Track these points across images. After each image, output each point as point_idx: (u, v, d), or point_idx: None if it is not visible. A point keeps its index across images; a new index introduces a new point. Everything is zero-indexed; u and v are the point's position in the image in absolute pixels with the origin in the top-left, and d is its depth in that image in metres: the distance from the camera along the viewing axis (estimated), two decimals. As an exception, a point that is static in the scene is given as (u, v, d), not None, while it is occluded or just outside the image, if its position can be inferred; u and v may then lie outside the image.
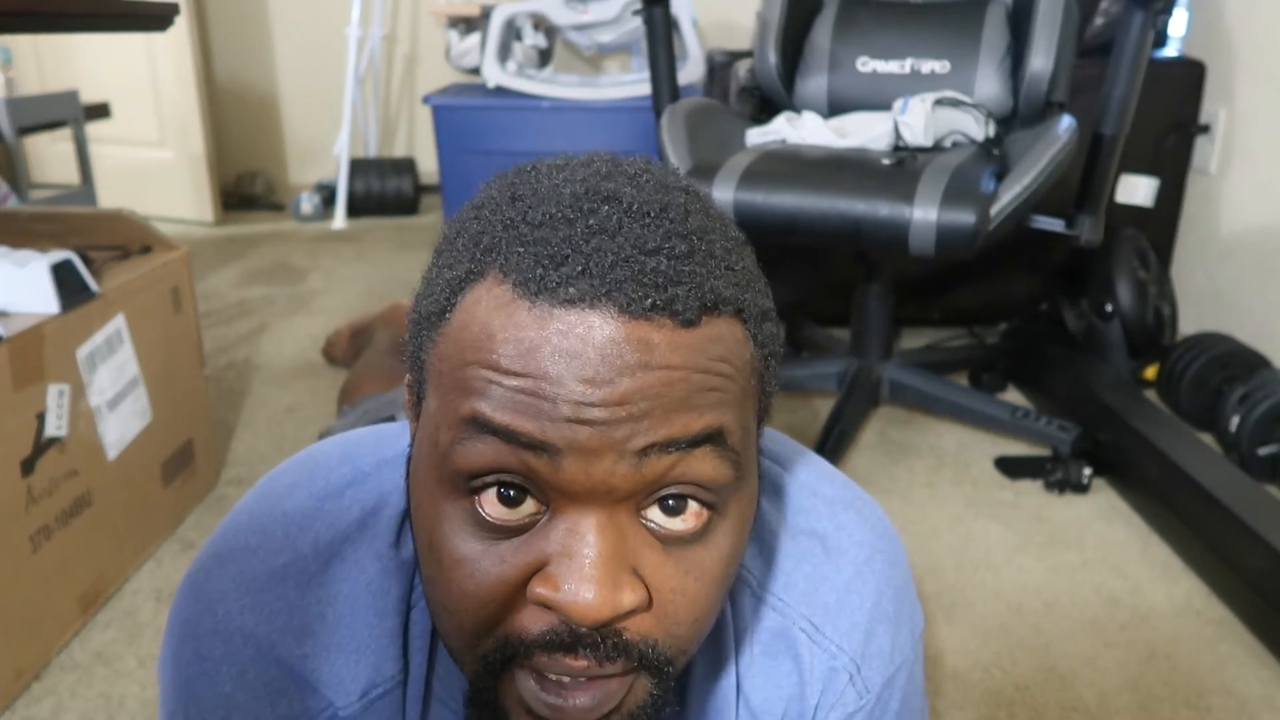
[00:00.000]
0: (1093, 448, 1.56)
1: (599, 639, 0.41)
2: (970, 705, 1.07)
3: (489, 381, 0.40)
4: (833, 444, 1.54)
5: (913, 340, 2.14)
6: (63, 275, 1.13)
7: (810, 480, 0.61)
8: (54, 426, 1.10)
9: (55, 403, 1.10)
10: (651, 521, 0.42)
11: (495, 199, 0.45)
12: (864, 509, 0.61)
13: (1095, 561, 1.35)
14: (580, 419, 0.39)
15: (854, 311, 1.73)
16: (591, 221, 0.41)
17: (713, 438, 0.41)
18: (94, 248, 1.33)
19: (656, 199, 0.43)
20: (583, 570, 0.40)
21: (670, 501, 0.42)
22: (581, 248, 0.40)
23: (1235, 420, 1.59)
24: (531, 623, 0.42)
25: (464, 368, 0.41)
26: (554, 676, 0.43)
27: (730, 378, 0.42)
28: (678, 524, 0.42)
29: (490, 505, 0.42)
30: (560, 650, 0.42)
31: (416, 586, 0.53)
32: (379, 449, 0.57)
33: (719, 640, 0.56)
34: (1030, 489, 1.54)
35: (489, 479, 0.41)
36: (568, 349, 0.39)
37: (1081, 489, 1.52)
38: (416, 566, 0.52)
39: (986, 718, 1.05)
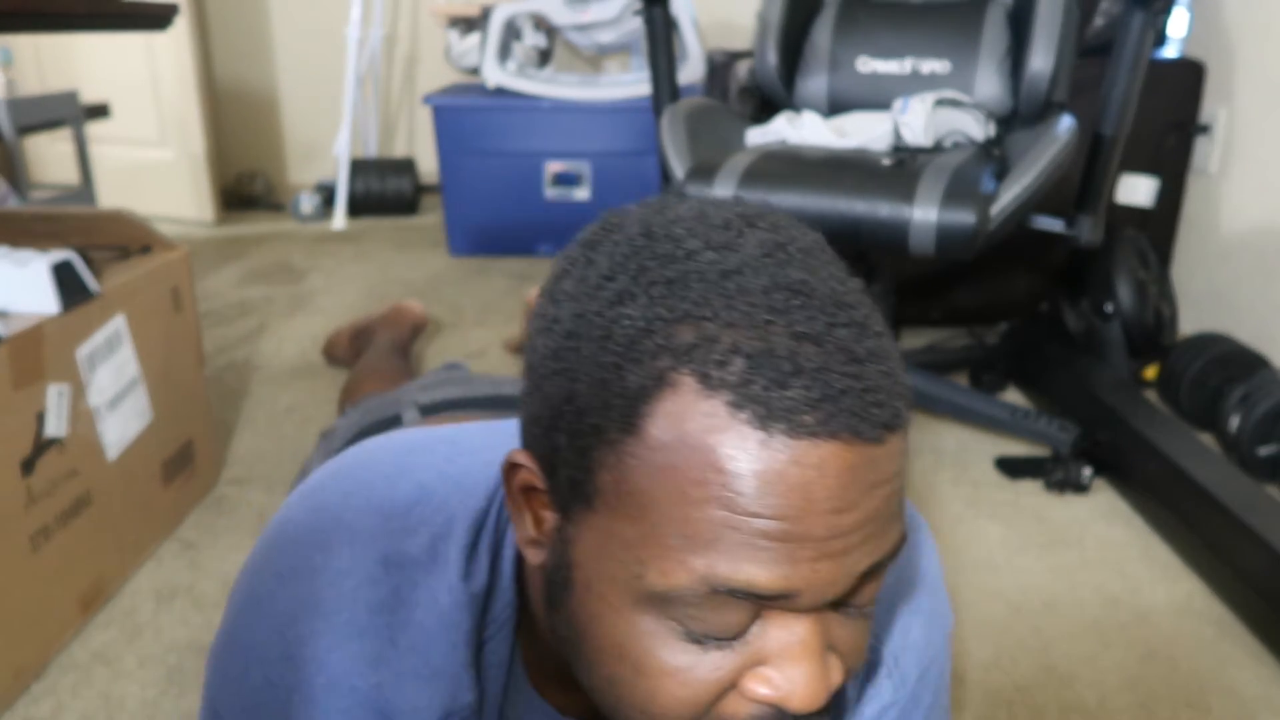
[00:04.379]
0: (1093, 448, 1.56)
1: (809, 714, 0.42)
2: (970, 705, 1.07)
3: (725, 526, 0.38)
4: (833, 444, 1.54)
5: (913, 340, 2.14)
6: (63, 275, 1.13)
7: None
8: (54, 426, 1.10)
9: (55, 403, 1.10)
10: (840, 603, 0.43)
11: (643, 271, 0.41)
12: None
13: (1095, 561, 1.34)
14: (823, 554, 0.39)
15: (854, 311, 1.73)
16: (797, 326, 0.38)
17: (901, 542, 0.42)
18: (94, 248, 1.33)
19: (827, 280, 0.41)
20: (802, 671, 0.41)
21: (860, 594, 0.43)
22: (800, 359, 0.37)
23: (1235, 420, 1.59)
24: (740, 709, 0.42)
25: (680, 506, 0.38)
26: None
27: (906, 471, 0.42)
28: (859, 604, 0.43)
29: (703, 624, 0.41)
30: None
31: (490, 623, 0.52)
32: (438, 462, 0.55)
33: None
34: (1030, 489, 1.54)
35: None
36: (807, 482, 0.37)
37: (1081, 489, 1.52)
38: (487, 602, 0.51)
39: (986, 718, 1.05)
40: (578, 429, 0.41)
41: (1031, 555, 1.36)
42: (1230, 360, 1.73)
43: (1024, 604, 1.25)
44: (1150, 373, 1.89)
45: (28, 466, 1.06)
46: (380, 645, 0.50)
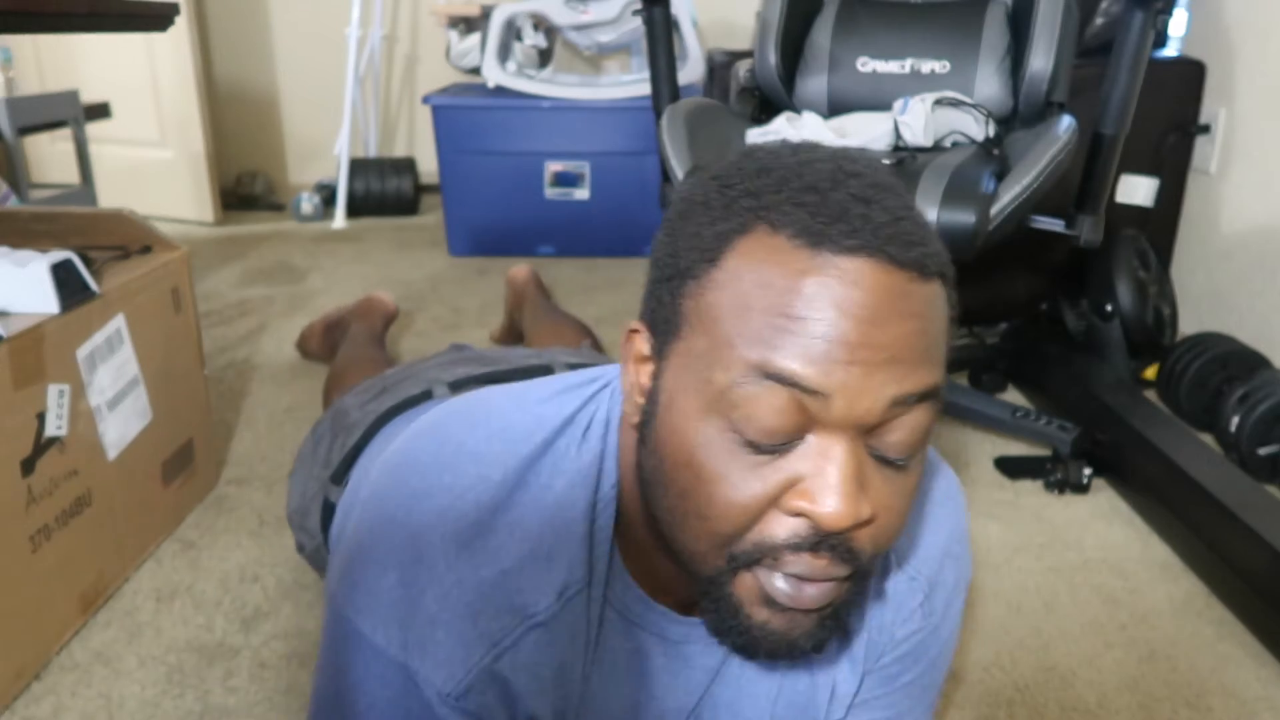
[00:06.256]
0: (1093, 448, 1.56)
1: (837, 542, 0.49)
2: (970, 705, 1.07)
3: (774, 328, 0.46)
4: (833, 444, 1.54)
5: (913, 340, 2.14)
6: (63, 275, 1.13)
7: None
8: (54, 426, 1.10)
9: (55, 403, 1.10)
10: (875, 449, 0.49)
11: (743, 170, 0.52)
12: (937, 460, 0.70)
13: (1095, 561, 1.34)
14: (853, 360, 0.46)
15: (854, 311, 1.73)
16: (850, 190, 0.48)
17: (935, 394, 0.49)
18: (94, 248, 1.33)
19: (887, 180, 0.50)
20: (834, 486, 0.48)
21: (892, 437, 0.49)
22: (850, 208, 0.47)
23: (1235, 420, 1.59)
24: (780, 528, 0.49)
25: (744, 314, 0.47)
26: (794, 572, 0.50)
27: (944, 336, 0.50)
28: (894, 453, 0.49)
29: (756, 431, 0.48)
30: (806, 550, 0.49)
31: (599, 499, 0.59)
32: (542, 398, 0.62)
33: None
34: (1030, 489, 1.54)
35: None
36: (847, 290, 0.46)
37: (1081, 489, 1.52)
38: (597, 480, 0.59)
39: (986, 718, 1.05)
40: (674, 274, 0.51)
41: (1031, 555, 1.36)
42: (1230, 360, 1.73)
43: (1024, 604, 1.25)
44: (1150, 373, 1.89)
45: (28, 466, 1.06)
46: (488, 537, 0.57)
